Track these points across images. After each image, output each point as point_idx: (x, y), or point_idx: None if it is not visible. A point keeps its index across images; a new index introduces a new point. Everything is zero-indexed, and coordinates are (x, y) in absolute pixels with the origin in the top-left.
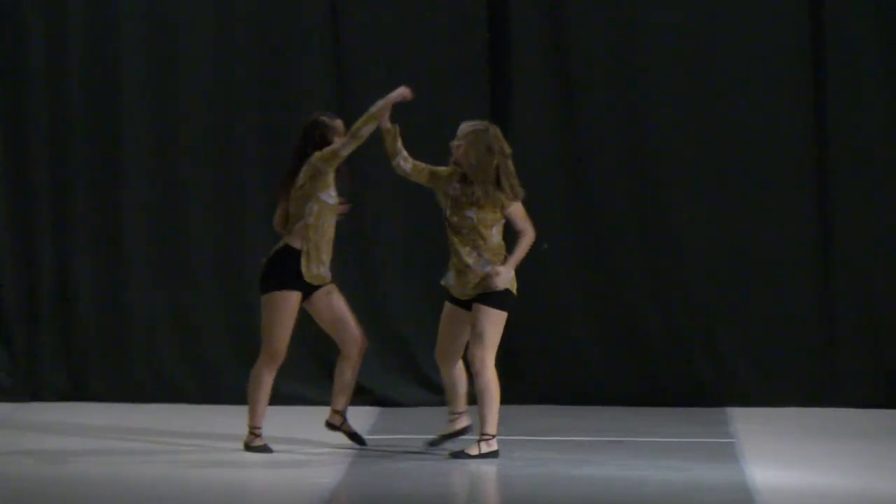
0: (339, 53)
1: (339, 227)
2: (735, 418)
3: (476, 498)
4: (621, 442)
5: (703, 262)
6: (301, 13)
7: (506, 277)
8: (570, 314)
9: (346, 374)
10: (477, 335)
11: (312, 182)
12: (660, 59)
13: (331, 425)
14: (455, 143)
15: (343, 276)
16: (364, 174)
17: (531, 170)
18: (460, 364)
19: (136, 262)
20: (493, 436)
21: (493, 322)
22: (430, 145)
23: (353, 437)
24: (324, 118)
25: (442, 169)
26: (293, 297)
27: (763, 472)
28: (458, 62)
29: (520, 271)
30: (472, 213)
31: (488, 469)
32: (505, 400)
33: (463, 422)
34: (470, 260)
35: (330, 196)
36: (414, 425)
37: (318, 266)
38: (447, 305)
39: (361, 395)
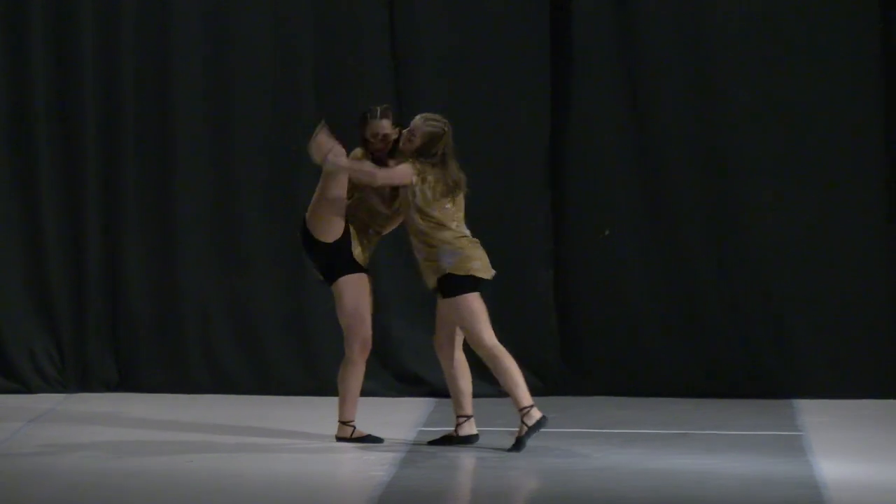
0: (396, 44)
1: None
2: (804, 410)
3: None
4: (687, 435)
5: (772, 252)
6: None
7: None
8: (636, 305)
9: (350, 380)
10: (461, 329)
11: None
12: (730, 42)
13: (341, 439)
14: (407, 134)
15: (403, 264)
16: None
17: (595, 155)
18: (460, 359)
19: (189, 250)
20: (531, 405)
21: (459, 309)
22: (490, 136)
23: (368, 438)
24: (367, 113)
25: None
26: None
27: (832, 466)
28: (518, 46)
29: (585, 262)
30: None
31: (553, 462)
32: (570, 391)
33: (469, 429)
34: (416, 253)
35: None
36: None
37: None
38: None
39: (417, 386)
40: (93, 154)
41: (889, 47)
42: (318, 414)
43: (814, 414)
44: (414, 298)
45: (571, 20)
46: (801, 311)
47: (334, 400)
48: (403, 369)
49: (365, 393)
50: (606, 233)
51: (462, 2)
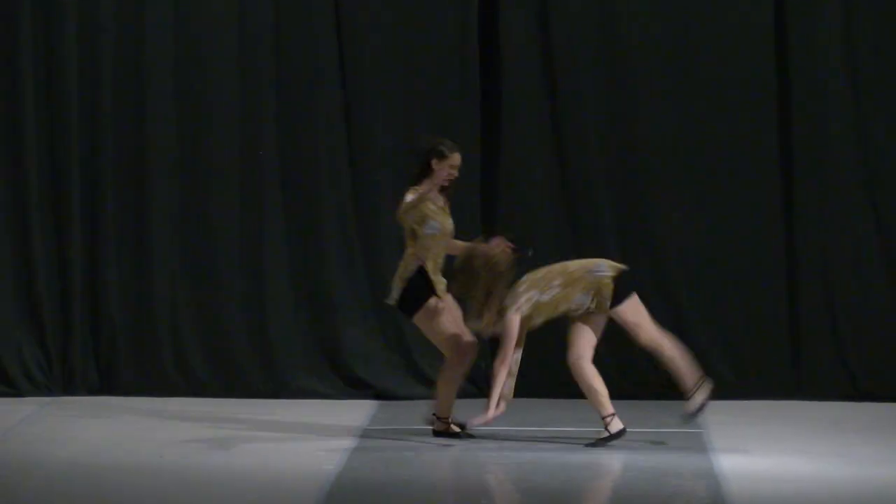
0: (346, 72)
1: (346, 227)
2: (705, 410)
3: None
4: (602, 432)
5: (678, 265)
6: (309, 36)
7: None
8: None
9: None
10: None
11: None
12: (644, 76)
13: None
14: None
15: (348, 277)
16: (372, 171)
17: (519, 178)
18: None
19: (162, 266)
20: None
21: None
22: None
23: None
24: (442, 147)
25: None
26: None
27: (730, 461)
28: (450, 77)
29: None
30: None
31: (485, 455)
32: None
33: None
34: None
35: (430, 228)
36: (411, 417)
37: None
38: None
39: (362, 389)
40: (77, 179)
41: (784, 75)
42: (276, 414)
43: (716, 414)
44: (366, 309)
45: (501, 59)
46: (705, 319)
47: (289, 402)
48: (352, 374)
49: (316, 395)
50: (530, 253)
51: (401, 38)
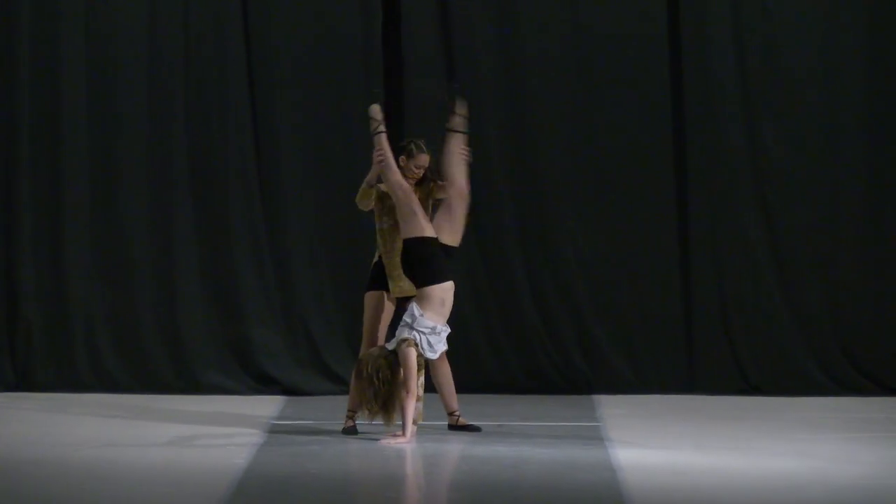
0: (253, 77)
1: (254, 228)
2: (604, 404)
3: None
4: (505, 426)
5: (579, 268)
6: (218, 40)
7: None
8: (462, 313)
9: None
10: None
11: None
12: (543, 85)
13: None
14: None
15: (256, 276)
16: (280, 174)
17: None
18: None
19: (76, 264)
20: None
21: None
22: (336, 148)
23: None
24: (412, 146)
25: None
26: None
27: (626, 452)
28: (355, 82)
29: None
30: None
31: (389, 448)
32: None
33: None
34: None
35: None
36: (318, 412)
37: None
38: None
39: (271, 386)
40: None
41: (675, 82)
42: (187, 410)
43: (613, 407)
44: (273, 306)
45: (403, 65)
46: (602, 319)
47: (199, 398)
48: (260, 371)
49: (226, 391)
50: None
51: (309, 48)
